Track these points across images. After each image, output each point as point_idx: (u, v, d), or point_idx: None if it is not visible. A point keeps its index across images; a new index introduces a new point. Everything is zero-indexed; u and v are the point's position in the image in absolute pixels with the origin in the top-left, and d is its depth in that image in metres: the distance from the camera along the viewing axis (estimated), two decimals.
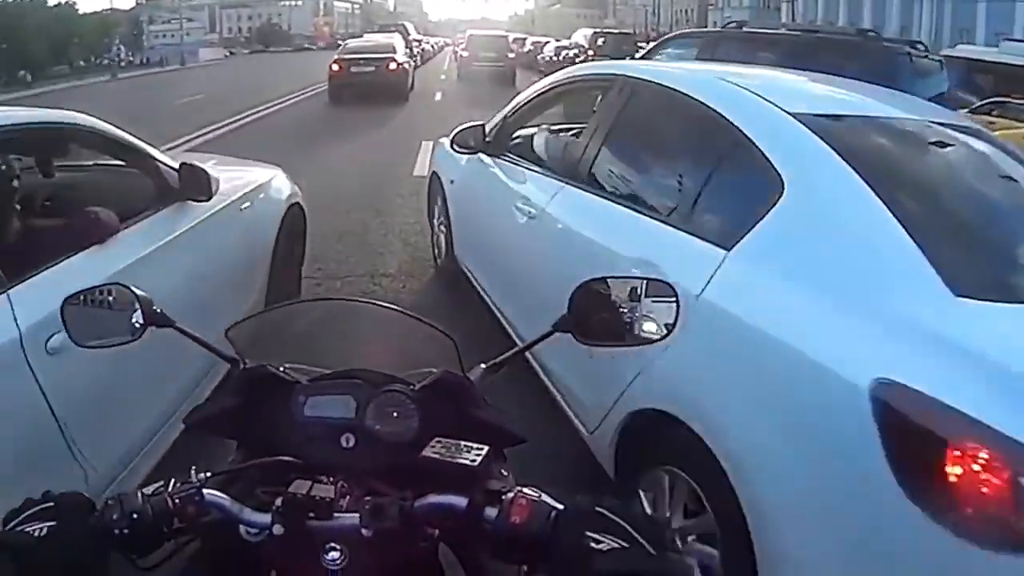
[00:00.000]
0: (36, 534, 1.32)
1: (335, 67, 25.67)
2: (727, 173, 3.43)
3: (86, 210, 3.61)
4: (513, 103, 5.98)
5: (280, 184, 6.23)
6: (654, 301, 1.85)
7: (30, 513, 1.37)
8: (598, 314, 1.87)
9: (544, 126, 6.31)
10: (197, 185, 4.27)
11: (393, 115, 22.44)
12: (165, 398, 3.80)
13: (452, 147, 5.99)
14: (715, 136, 3.47)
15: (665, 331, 1.85)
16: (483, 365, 1.91)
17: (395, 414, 1.69)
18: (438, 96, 28.75)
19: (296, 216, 6.24)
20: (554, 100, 5.89)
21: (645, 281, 1.88)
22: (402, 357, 1.97)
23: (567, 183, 4.51)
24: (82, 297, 1.94)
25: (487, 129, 6.01)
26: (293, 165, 12.57)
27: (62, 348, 2.77)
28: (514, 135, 6.14)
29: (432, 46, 59.74)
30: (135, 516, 1.37)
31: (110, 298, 1.94)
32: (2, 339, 2.74)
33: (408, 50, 31.02)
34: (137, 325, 1.90)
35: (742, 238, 2.99)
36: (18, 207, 4.29)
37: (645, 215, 3.73)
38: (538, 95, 5.74)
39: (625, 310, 1.87)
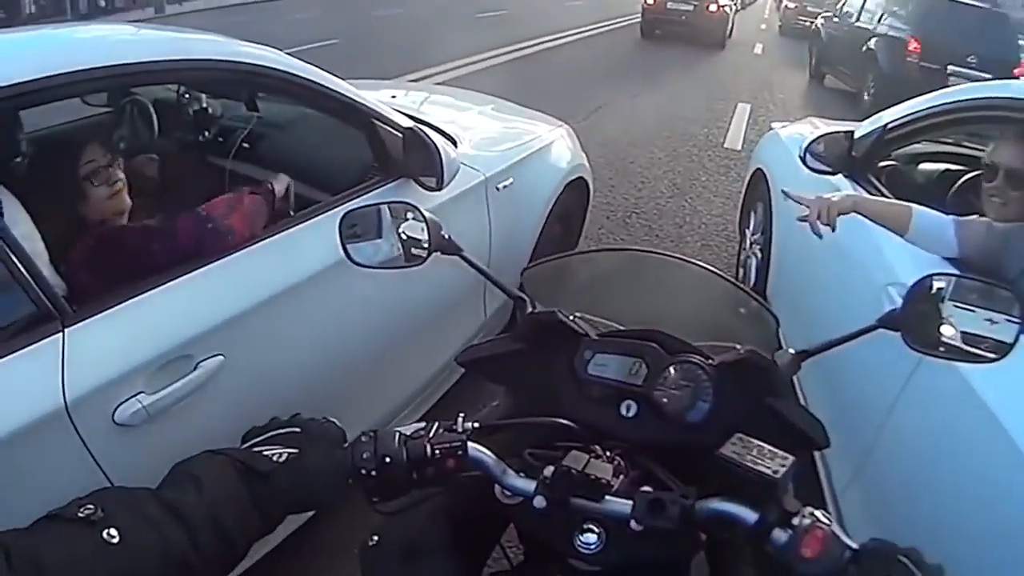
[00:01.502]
0: (276, 459, 1.31)
1: (650, 0, 23.72)
2: None
3: (259, 187, 2.99)
4: (902, 108, 4.17)
5: (561, 151, 5.03)
6: (994, 314, 1.63)
7: (275, 435, 1.38)
8: (925, 315, 1.65)
9: (943, 167, 4.56)
10: (423, 163, 3.31)
11: (707, 64, 20.60)
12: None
13: (804, 160, 4.17)
14: None
15: (999, 353, 1.61)
16: (792, 351, 1.72)
17: (688, 388, 1.61)
18: (758, 49, 26.06)
19: (577, 195, 5.12)
20: (971, 122, 3.96)
21: (989, 289, 1.68)
22: (706, 326, 1.85)
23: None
24: (361, 212, 1.92)
25: (856, 138, 4.24)
26: (585, 109, 12.71)
27: None
28: (890, 156, 4.42)
29: None
30: (387, 459, 1.35)
31: (389, 216, 1.90)
32: None
33: None
34: (423, 245, 1.87)
35: None
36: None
37: None
38: (946, 107, 3.82)
39: (951, 318, 1.65)
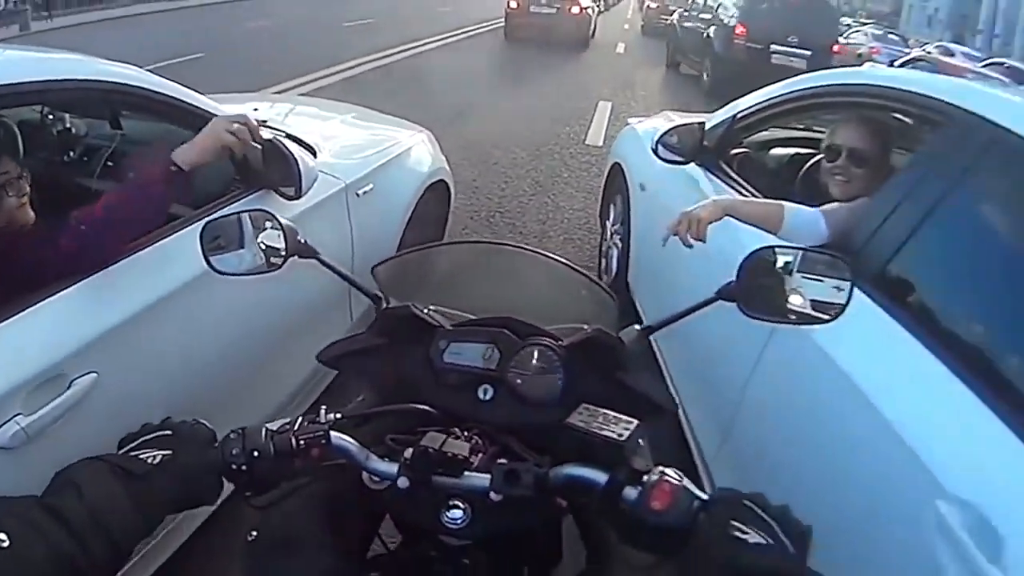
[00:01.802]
0: (150, 461, 1.33)
1: (513, 4, 23.84)
2: None
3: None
4: (750, 99, 4.26)
5: (420, 155, 5.06)
6: (828, 280, 1.78)
7: (147, 439, 1.38)
8: (765, 286, 1.77)
9: (792, 151, 4.64)
10: (282, 174, 3.27)
11: (570, 64, 20.86)
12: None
13: (656, 152, 4.23)
14: None
15: (834, 313, 1.75)
16: (636, 327, 1.83)
17: (539, 370, 1.67)
18: (620, 48, 26.54)
19: (437, 198, 5.16)
20: (815, 108, 4.07)
21: (822, 258, 1.82)
22: (553, 310, 1.92)
23: None
24: (221, 222, 1.93)
25: (707, 128, 4.32)
26: (448, 113, 12.54)
27: None
28: (742, 144, 4.50)
29: None
30: (256, 453, 1.38)
31: (250, 225, 1.92)
32: None
33: None
34: (280, 253, 1.88)
35: None
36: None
37: (987, 399, 2.08)
38: (790, 95, 3.93)
39: (795, 286, 1.78)
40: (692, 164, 4.26)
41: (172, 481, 1.33)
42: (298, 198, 3.26)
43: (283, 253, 1.89)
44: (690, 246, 3.02)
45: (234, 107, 3.32)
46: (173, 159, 2.58)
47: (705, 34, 18.96)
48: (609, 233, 6.14)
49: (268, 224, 1.91)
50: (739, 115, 4.18)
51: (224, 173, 3.31)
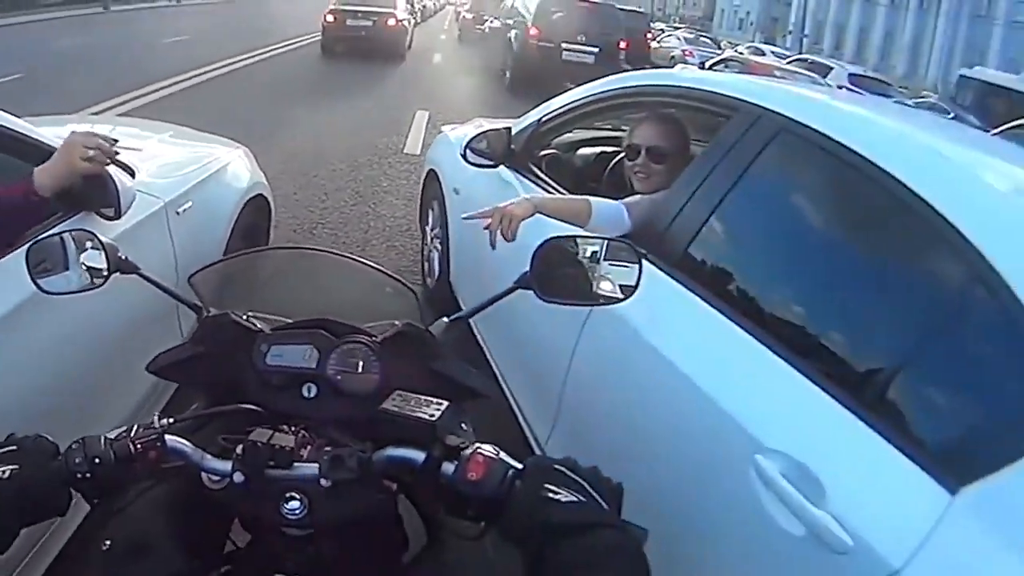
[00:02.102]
0: None
1: (330, 18, 23.78)
2: (975, 335, 2.05)
3: None
4: (555, 103, 4.47)
5: (238, 171, 5.02)
6: (617, 263, 1.91)
7: None
8: (562, 272, 1.91)
9: (599, 150, 4.89)
10: (101, 195, 3.20)
11: (387, 75, 20.97)
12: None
13: (465, 157, 4.40)
14: (953, 267, 2.11)
15: (626, 293, 1.91)
16: (446, 319, 1.93)
17: (357, 365, 1.75)
18: (437, 58, 26.89)
19: (257, 211, 5.12)
20: (617, 109, 4.31)
21: (609, 242, 1.94)
22: (365, 309, 2.01)
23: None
24: (45, 243, 1.94)
25: (513, 133, 4.51)
26: (267, 128, 12.39)
27: None
28: (549, 146, 4.71)
29: (433, 3, 57.08)
30: (97, 460, 1.39)
31: (73, 244, 1.94)
32: None
33: (409, 5, 29.38)
34: (103, 272, 1.90)
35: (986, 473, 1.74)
36: None
37: (786, 357, 2.30)
38: (593, 98, 4.17)
39: (589, 270, 1.92)
40: (502, 167, 4.42)
41: (19, 494, 1.32)
42: (118, 218, 3.22)
43: (105, 271, 1.90)
44: (493, 245, 3.13)
45: (53, 129, 3.28)
46: (35, 186, 2.56)
47: (508, 37, 21.54)
48: (429, 237, 6.26)
49: (89, 243, 1.93)
50: (544, 119, 4.39)
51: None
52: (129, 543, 1.73)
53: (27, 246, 1.95)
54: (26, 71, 14.72)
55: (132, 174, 3.72)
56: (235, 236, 4.58)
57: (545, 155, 4.62)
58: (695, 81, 3.53)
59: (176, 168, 4.33)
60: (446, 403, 1.61)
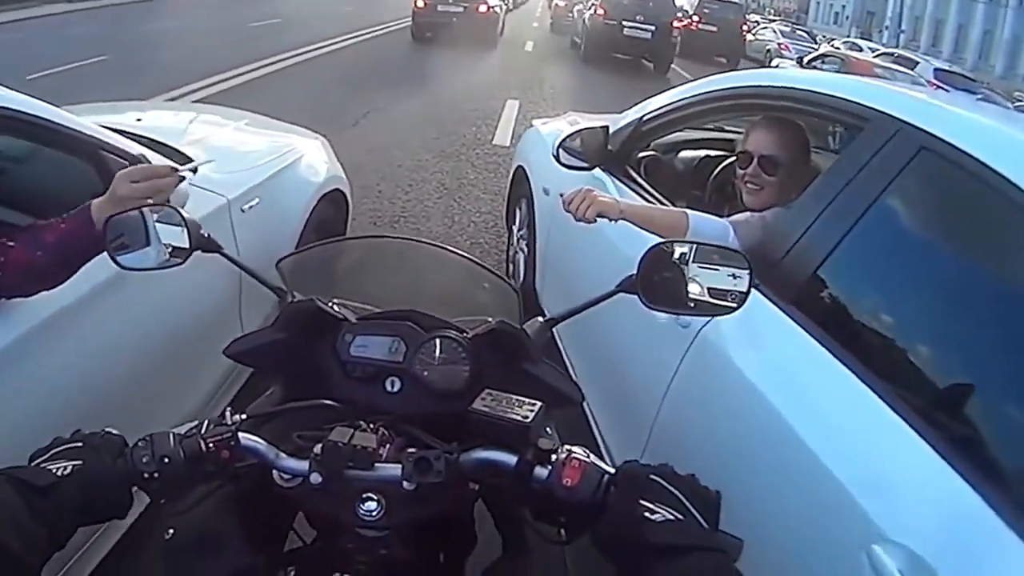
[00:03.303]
0: (59, 472, 1.29)
1: (420, 3, 23.40)
2: None
3: None
4: (657, 101, 4.04)
5: (314, 163, 4.87)
6: (727, 272, 1.80)
7: (57, 451, 1.34)
8: (667, 279, 1.82)
9: (703, 154, 4.48)
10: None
11: (478, 62, 20.58)
12: None
13: (558, 158, 4.01)
14: None
15: (735, 304, 1.81)
16: (540, 319, 1.91)
17: (445, 361, 1.71)
18: (529, 46, 26.48)
19: (333, 207, 4.88)
20: (726, 110, 3.86)
21: (720, 250, 1.85)
22: (458, 303, 1.98)
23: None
24: (124, 218, 1.92)
25: (611, 132, 4.11)
26: (352, 115, 12.59)
27: None
28: (649, 147, 4.30)
29: None
30: (166, 459, 1.36)
31: (154, 220, 1.91)
32: None
33: None
34: (184, 249, 1.89)
35: None
36: None
37: (923, 432, 1.93)
38: (699, 97, 3.74)
39: (696, 278, 1.82)
40: (597, 169, 4.06)
41: (80, 492, 1.29)
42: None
43: (187, 248, 1.89)
44: (567, 208, 2.95)
45: (115, 117, 3.47)
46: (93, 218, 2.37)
47: (583, 16, 25.38)
48: (515, 238, 5.95)
49: (171, 218, 1.90)
50: (645, 117, 3.99)
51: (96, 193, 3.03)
52: (192, 535, 1.63)
53: (106, 218, 1.94)
54: (111, 54, 14.71)
55: (194, 170, 3.49)
56: (307, 234, 4.36)
57: (644, 157, 4.25)
58: (814, 83, 3.08)
59: (245, 162, 4.15)
60: (540, 403, 1.54)
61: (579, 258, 4.11)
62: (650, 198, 3.64)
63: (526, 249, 5.48)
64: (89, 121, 3.55)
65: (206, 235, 1.91)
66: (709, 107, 3.69)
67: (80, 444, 1.36)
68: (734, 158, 3.50)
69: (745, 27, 31.42)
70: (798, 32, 39.34)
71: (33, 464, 1.33)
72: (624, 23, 22.92)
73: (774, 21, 48.79)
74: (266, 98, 9.51)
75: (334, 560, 1.64)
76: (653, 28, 23.00)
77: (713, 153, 4.37)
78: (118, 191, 2.19)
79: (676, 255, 1.82)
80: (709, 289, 1.81)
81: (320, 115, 8.94)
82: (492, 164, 9.87)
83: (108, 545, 2.80)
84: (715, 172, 3.98)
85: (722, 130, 4.75)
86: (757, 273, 2.13)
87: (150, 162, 2.95)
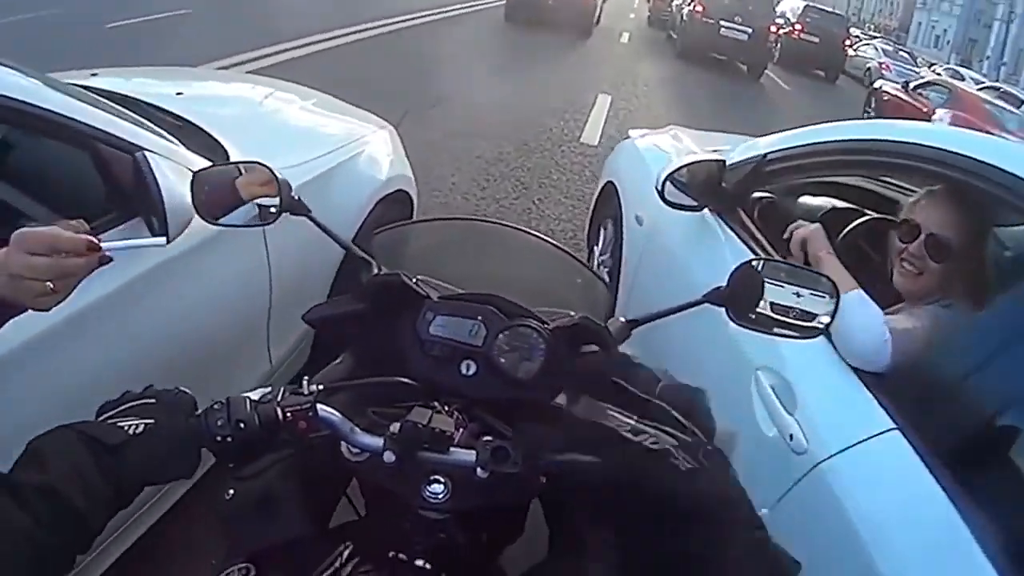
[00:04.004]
0: (130, 431, 1.30)
1: None
2: None
3: None
4: (789, 137, 3.40)
5: (377, 159, 4.28)
6: (813, 295, 1.79)
7: (130, 407, 1.36)
8: (753, 296, 1.76)
9: (829, 204, 3.78)
10: (147, 205, 2.57)
11: (571, 51, 19.92)
12: None
13: (663, 195, 3.37)
14: None
15: (819, 328, 1.77)
16: (622, 319, 1.84)
17: (523, 350, 1.69)
18: (624, 37, 25.84)
19: (395, 210, 4.31)
20: (880, 167, 3.29)
21: (809, 273, 1.87)
22: (544, 294, 1.94)
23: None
24: (213, 172, 1.94)
25: (728, 167, 3.47)
26: (431, 97, 11.95)
27: None
28: (766, 187, 3.60)
29: None
30: (241, 424, 1.37)
31: (245, 174, 1.91)
32: None
33: None
34: (272, 210, 1.90)
35: None
36: None
37: None
38: (845, 144, 3.09)
39: (784, 301, 1.78)
40: (706, 210, 3.46)
41: (150, 452, 1.28)
42: (166, 241, 2.46)
43: (276, 208, 1.88)
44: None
45: (158, 87, 3.47)
46: None
47: (682, 11, 24.85)
48: (596, 262, 5.29)
49: (261, 176, 1.88)
50: (769, 155, 3.35)
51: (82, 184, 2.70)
52: (251, 498, 1.60)
53: (194, 172, 1.92)
54: (194, 8, 14.12)
55: (227, 154, 3.15)
56: (359, 242, 3.70)
57: (759, 199, 3.60)
58: (1002, 157, 2.45)
59: (292, 154, 3.56)
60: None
61: (668, 302, 3.46)
62: (759, 250, 3.12)
63: (607, 278, 4.71)
64: (127, 88, 3.48)
65: (296, 197, 1.89)
66: (855, 159, 3.09)
67: (153, 401, 1.35)
68: (870, 218, 3.11)
69: (847, 42, 30.89)
70: (900, 53, 38.27)
71: (102, 417, 1.33)
72: (722, 22, 22.74)
73: (875, 38, 47.70)
74: (344, 70, 9.01)
75: (391, 538, 1.62)
76: (750, 30, 22.85)
77: (842, 205, 3.72)
78: (9, 265, 1.61)
79: (766, 272, 1.77)
80: (795, 311, 1.77)
81: (400, 91, 8.49)
82: (577, 165, 9.29)
83: (171, 501, 2.85)
84: (845, 231, 3.32)
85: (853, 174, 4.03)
86: (907, 404, 2.22)
87: (148, 167, 2.55)
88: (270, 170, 1.88)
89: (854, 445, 2.20)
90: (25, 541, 1.13)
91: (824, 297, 1.78)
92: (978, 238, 2.60)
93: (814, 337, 1.80)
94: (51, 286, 1.42)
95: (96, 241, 1.45)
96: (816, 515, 2.23)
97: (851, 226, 3.30)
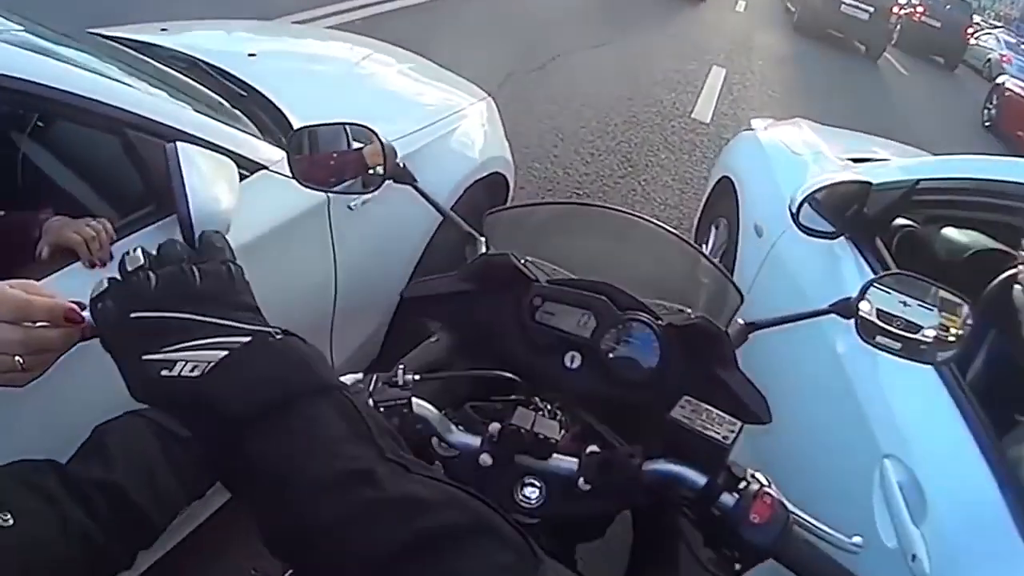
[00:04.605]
0: None
1: None
2: None
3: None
4: (945, 163, 3.11)
5: (472, 133, 3.90)
6: (944, 315, 1.67)
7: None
8: (886, 312, 1.68)
9: (980, 242, 3.22)
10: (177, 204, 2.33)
11: (683, 18, 19.08)
12: None
13: (797, 220, 2.92)
14: None
15: (949, 351, 1.67)
16: (741, 321, 1.79)
17: (635, 346, 1.61)
18: (740, 6, 24.83)
19: (490, 194, 3.99)
20: None
21: (941, 291, 1.69)
22: (658, 287, 1.86)
23: None
24: (321, 130, 1.88)
25: (873, 189, 3.06)
26: (539, 57, 11.51)
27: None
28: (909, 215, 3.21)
29: None
30: None
31: (350, 137, 1.86)
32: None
33: None
34: (377, 177, 1.86)
35: None
36: None
37: None
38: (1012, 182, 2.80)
39: (914, 319, 1.68)
40: (841, 238, 3.08)
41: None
42: (191, 244, 2.17)
43: (381, 176, 1.83)
44: None
45: (228, 46, 3.38)
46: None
47: None
48: None
49: (368, 140, 1.83)
50: (923, 182, 2.98)
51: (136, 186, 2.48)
52: None
53: (293, 131, 1.94)
54: None
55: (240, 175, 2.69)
56: (439, 235, 3.44)
57: (901, 227, 3.20)
58: None
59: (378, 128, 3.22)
60: (739, 424, 1.49)
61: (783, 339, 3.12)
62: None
63: None
64: (195, 48, 3.33)
65: (401, 165, 1.83)
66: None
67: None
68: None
69: (970, 29, 29.70)
70: (1023, 46, 36.90)
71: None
72: (843, 4, 22.04)
73: (997, 28, 46.17)
74: (443, 27, 8.56)
75: None
76: (872, 10, 21.98)
77: (993, 246, 3.18)
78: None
79: (901, 289, 1.67)
80: (925, 331, 1.66)
81: (503, 52, 8.07)
82: (688, 144, 8.84)
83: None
84: (999, 278, 2.87)
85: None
86: None
87: (178, 161, 2.31)
88: (375, 134, 1.81)
89: None
90: (80, 540, 1.03)
91: (955, 315, 1.68)
92: None
93: (942, 361, 1.75)
94: (21, 361, 1.08)
95: (77, 309, 1.11)
96: None
97: (1007, 273, 2.87)
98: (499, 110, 4.33)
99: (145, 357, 0.90)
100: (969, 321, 1.65)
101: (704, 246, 4.96)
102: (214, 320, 0.93)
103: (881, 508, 2.19)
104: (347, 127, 1.86)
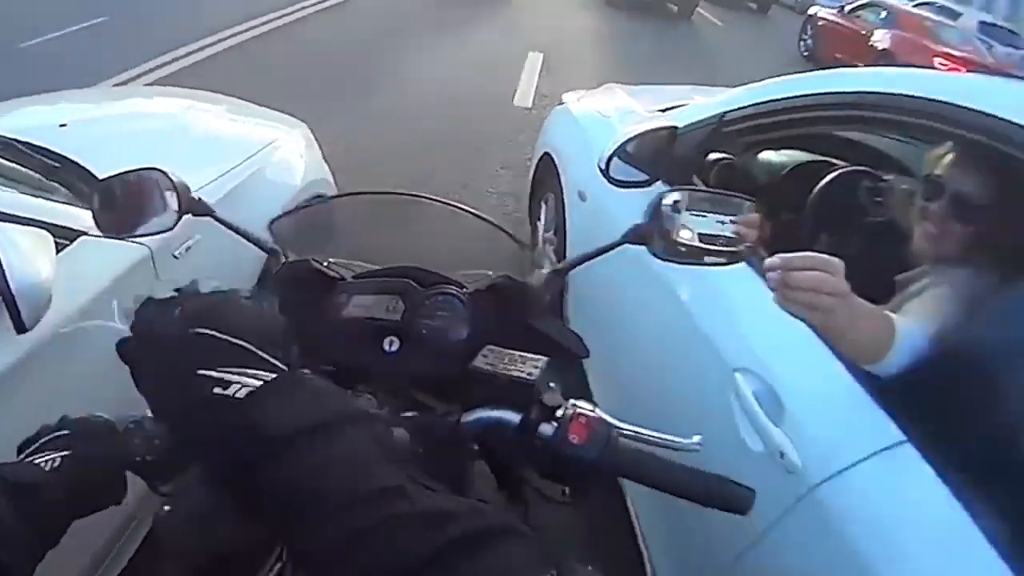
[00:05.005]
0: (47, 466, 1.20)
1: None
2: None
3: None
4: (748, 92, 3.05)
5: (290, 160, 4.02)
6: (738, 218, 1.71)
7: (45, 441, 1.26)
8: (676, 228, 1.72)
9: (797, 158, 3.48)
10: None
11: (492, 11, 18.85)
12: None
13: (607, 174, 2.95)
14: None
15: (751, 250, 1.71)
16: (546, 270, 1.84)
17: (444, 318, 1.69)
18: None
19: None
20: (870, 124, 2.87)
21: (731, 199, 1.74)
22: (462, 260, 1.93)
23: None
24: (111, 183, 1.85)
25: (679, 132, 3.09)
26: (359, 72, 11.38)
27: None
28: (723, 149, 3.26)
29: None
30: (156, 441, 1.32)
31: (142, 183, 1.84)
32: None
33: None
34: (173, 212, 1.82)
35: None
36: None
37: None
38: (821, 97, 2.72)
39: (711, 230, 1.72)
40: (658, 182, 3.00)
41: (70, 485, 1.17)
42: (22, 331, 2.16)
43: (176, 212, 1.78)
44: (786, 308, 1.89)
45: (42, 118, 3.38)
46: None
47: None
48: (541, 238, 4.97)
49: (159, 182, 1.80)
50: (727, 115, 3.03)
51: None
52: (188, 511, 1.38)
53: (91, 189, 1.93)
54: (111, 16, 13.20)
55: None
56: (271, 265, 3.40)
57: (716, 161, 3.25)
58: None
59: (197, 174, 3.10)
60: (543, 359, 1.53)
61: (618, 283, 3.30)
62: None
63: (554, 256, 4.43)
64: (4, 126, 3.19)
65: (196, 198, 1.80)
66: (830, 115, 2.75)
67: (67, 431, 1.26)
68: (846, 169, 2.94)
69: None
70: None
71: (21, 456, 1.22)
72: None
73: None
74: (268, 56, 8.36)
75: None
76: None
77: (814, 158, 3.37)
78: None
79: (677, 202, 1.69)
80: (721, 238, 1.69)
81: (330, 71, 7.93)
82: (512, 132, 8.86)
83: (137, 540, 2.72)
84: (822, 183, 3.04)
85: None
86: (922, 410, 1.91)
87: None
88: (164, 173, 1.79)
89: (858, 463, 1.92)
90: None
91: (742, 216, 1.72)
92: (1010, 203, 2.26)
93: (741, 261, 1.75)
94: None
95: None
96: (816, 546, 1.99)
97: (825, 180, 3.04)
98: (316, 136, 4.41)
99: (200, 372, 0.95)
100: (755, 216, 1.69)
101: (539, 222, 5.05)
102: (261, 354, 0.99)
103: (742, 418, 2.27)
104: (136, 173, 1.82)
